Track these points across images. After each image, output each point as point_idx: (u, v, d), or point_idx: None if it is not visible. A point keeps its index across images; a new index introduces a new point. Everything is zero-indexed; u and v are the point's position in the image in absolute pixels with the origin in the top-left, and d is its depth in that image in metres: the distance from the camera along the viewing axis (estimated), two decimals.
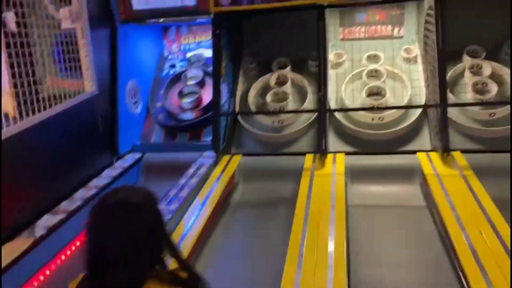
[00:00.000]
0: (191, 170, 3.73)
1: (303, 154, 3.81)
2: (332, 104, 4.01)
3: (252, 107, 4.22)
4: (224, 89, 4.10)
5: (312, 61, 4.33)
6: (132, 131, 4.36)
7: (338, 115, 4.00)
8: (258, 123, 4.17)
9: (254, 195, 3.67)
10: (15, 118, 2.85)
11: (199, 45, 4.86)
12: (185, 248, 2.63)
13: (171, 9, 4.10)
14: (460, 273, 2.35)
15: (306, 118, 4.10)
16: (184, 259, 1.39)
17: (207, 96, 4.46)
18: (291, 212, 3.01)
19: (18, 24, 2.97)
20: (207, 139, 4.25)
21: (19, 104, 2.89)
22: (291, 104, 4.16)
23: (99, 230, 1.26)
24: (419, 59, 4.23)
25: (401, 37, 4.42)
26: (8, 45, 2.82)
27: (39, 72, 3.19)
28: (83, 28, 3.59)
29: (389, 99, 3.96)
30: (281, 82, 4.30)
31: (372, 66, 4.20)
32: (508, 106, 3.67)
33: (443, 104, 3.51)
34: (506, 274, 2.14)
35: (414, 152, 3.70)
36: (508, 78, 3.79)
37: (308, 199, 3.09)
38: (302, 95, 4.24)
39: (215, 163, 3.85)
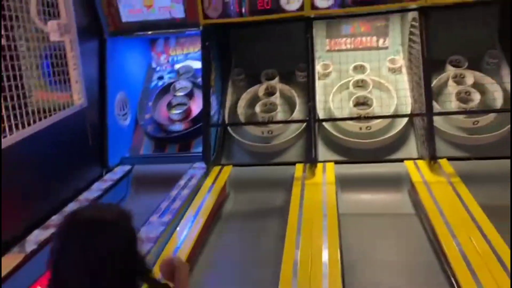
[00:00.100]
0: (182, 182, 3.72)
1: (293, 163, 3.84)
2: (320, 114, 4.06)
3: (241, 118, 4.25)
4: (213, 101, 4.13)
5: (299, 72, 4.40)
6: (121, 143, 4.35)
7: (326, 124, 4.06)
8: (247, 133, 4.20)
9: (246, 205, 3.68)
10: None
11: (187, 57, 4.89)
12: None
13: (160, 22, 4.12)
14: (452, 277, 2.40)
15: (295, 128, 4.14)
16: (159, 283, 1.32)
17: (196, 107, 4.49)
18: (284, 221, 3.03)
19: (6, 37, 2.96)
20: (197, 150, 4.26)
21: (8, 118, 2.87)
22: (280, 115, 4.20)
23: (62, 252, 1.17)
24: (404, 69, 4.33)
25: (386, 48, 4.51)
26: None
27: (27, 85, 3.17)
28: (72, 41, 3.58)
29: (376, 108, 4.03)
30: (269, 93, 4.35)
31: (359, 77, 4.28)
32: (491, 115, 3.79)
33: (429, 113, 3.60)
34: (496, 278, 2.21)
35: (401, 160, 3.77)
36: (490, 87, 3.91)
37: (300, 209, 3.12)
38: (290, 105, 4.29)
39: (206, 174, 3.85)
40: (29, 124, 3.02)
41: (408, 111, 4.00)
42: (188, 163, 4.10)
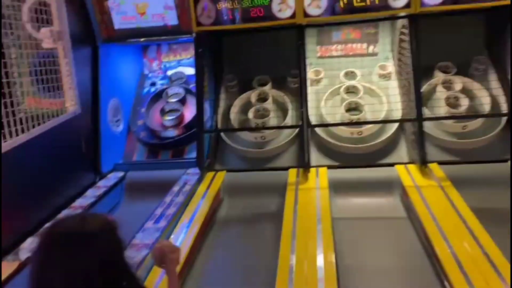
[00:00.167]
0: (176, 188, 3.73)
1: (286, 169, 3.88)
2: (312, 120, 4.11)
3: (234, 124, 4.28)
4: (206, 107, 4.15)
5: (291, 78, 4.45)
6: (114, 150, 4.35)
7: (318, 130, 4.10)
8: (240, 139, 4.24)
9: (240, 211, 3.70)
10: None
11: (179, 63, 4.91)
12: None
13: (153, 29, 4.13)
14: (445, 280, 2.45)
15: (288, 134, 4.19)
16: None
17: (189, 113, 4.51)
18: (278, 226, 3.06)
19: None
20: (190, 156, 4.28)
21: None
22: (272, 120, 4.24)
23: (43, 264, 1.12)
24: (394, 75, 4.40)
25: (375, 55, 4.59)
26: None
27: (18, 93, 3.16)
28: (65, 48, 3.58)
29: (367, 114, 4.10)
30: (262, 98, 4.39)
31: (350, 83, 4.35)
32: (480, 119, 3.87)
33: (420, 118, 3.67)
34: (488, 280, 2.26)
35: (392, 164, 3.83)
36: (478, 93, 4.00)
37: (294, 214, 3.15)
38: (283, 111, 4.34)
39: (200, 180, 3.87)
40: (22, 132, 3.02)
41: (399, 116, 4.07)
42: (181, 169, 4.11)
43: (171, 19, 4.09)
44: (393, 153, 4.01)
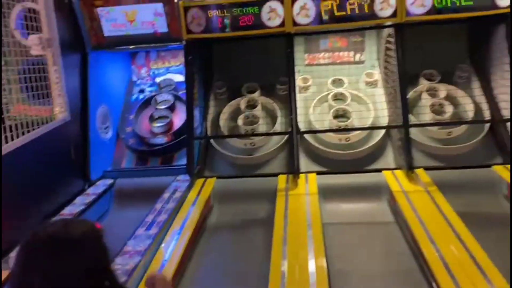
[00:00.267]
0: (166, 195, 3.74)
1: (276, 175, 3.93)
2: (301, 126, 4.16)
3: (224, 131, 4.32)
4: (196, 114, 4.17)
5: (280, 85, 4.51)
6: (103, 157, 4.33)
7: (307, 136, 4.16)
8: (230, 146, 4.27)
9: (230, 217, 3.72)
10: None
11: (168, 70, 4.92)
12: (167, 274, 2.65)
13: (142, 36, 4.15)
14: (433, 282, 2.50)
15: (277, 140, 4.24)
16: None
17: (178, 120, 4.53)
18: (268, 232, 3.10)
19: None
20: (180, 163, 4.29)
21: None
22: (261, 127, 4.28)
23: (24, 269, 1.10)
24: (380, 83, 4.50)
25: (362, 63, 4.68)
26: None
27: (6, 100, 3.14)
28: (54, 55, 3.57)
29: (354, 120, 4.17)
30: (251, 105, 4.43)
31: (337, 90, 4.43)
32: (464, 126, 3.98)
33: (406, 124, 3.75)
34: (475, 282, 2.33)
35: (380, 170, 3.91)
36: (462, 100, 4.11)
37: (285, 219, 3.19)
38: (272, 118, 4.39)
39: (190, 187, 3.88)
40: (12, 139, 3.00)
41: (385, 123, 4.15)
42: (171, 176, 4.12)
43: (161, 26, 4.11)
44: (380, 159, 4.09)
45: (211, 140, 4.31)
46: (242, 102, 4.42)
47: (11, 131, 2.97)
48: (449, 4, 3.63)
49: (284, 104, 4.35)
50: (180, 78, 4.84)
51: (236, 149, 4.24)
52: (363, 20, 3.79)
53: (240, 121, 4.28)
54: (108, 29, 4.14)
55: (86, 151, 4.11)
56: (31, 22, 3.34)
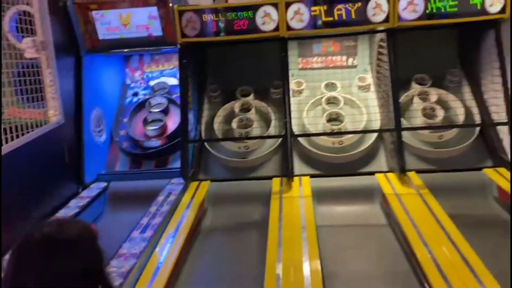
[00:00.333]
0: (160, 198, 3.74)
1: (270, 178, 3.95)
2: (295, 130, 4.19)
3: (218, 134, 4.33)
4: (190, 117, 4.19)
5: (273, 89, 4.54)
6: (97, 160, 4.32)
7: (301, 139, 4.19)
8: (224, 149, 4.29)
9: (225, 220, 3.73)
10: None
11: (162, 74, 4.94)
12: (162, 277, 2.67)
13: (137, 40, 4.16)
14: (425, 283, 2.54)
15: (271, 144, 4.27)
16: None
17: (172, 123, 4.53)
18: (263, 235, 3.12)
19: None
20: (174, 166, 4.30)
21: None
22: (255, 130, 4.31)
23: (17, 270, 1.09)
24: (372, 87, 4.55)
25: (355, 67, 4.74)
26: None
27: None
28: (48, 58, 3.57)
29: (347, 124, 4.22)
30: (245, 109, 4.46)
31: (330, 94, 4.47)
32: (455, 130, 4.04)
33: (398, 128, 3.80)
34: (467, 282, 2.37)
35: (372, 173, 3.96)
36: (452, 104, 4.17)
37: (279, 222, 3.21)
38: (266, 121, 4.42)
39: (184, 190, 3.89)
40: (6, 142, 3.00)
41: (377, 126, 4.20)
42: (165, 179, 4.12)
43: (155, 30, 4.12)
44: (373, 162, 4.13)
45: (205, 143, 4.32)
46: (236, 105, 4.45)
47: (5, 134, 2.96)
48: (440, 10, 3.70)
49: (277, 107, 4.39)
50: (173, 81, 4.86)
51: (230, 152, 4.26)
52: (356, 25, 3.84)
53: (234, 124, 4.30)
54: (103, 33, 4.14)
55: (80, 154, 4.10)
56: (25, 25, 3.34)
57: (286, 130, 3.97)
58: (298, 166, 4.12)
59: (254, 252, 3.12)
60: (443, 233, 2.86)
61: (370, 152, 4.18)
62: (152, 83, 4.90)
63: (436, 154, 4.01)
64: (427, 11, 3.71)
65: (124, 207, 3.97)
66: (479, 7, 3.66)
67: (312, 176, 3.97)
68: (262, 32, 3.87)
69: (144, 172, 4.34)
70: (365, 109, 4.32)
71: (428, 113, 4.17)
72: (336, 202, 3.81)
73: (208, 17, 3.85)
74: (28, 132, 3.22)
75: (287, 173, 3.87)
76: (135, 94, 4.89)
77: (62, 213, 3.57)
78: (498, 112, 3.82)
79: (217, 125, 4.36)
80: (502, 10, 3.67)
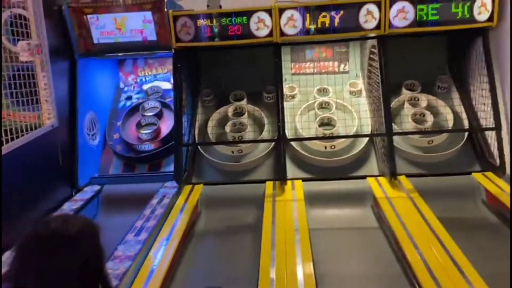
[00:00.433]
0: (154, 201, 3.76)
1: (263, 181, 4.00)
2: (287, 134, 4.24)
3: (211, 137, 4.37)
4: (184, 121, 4.21)
5: (266, 93, 4.60)
6: (90, 163, 4.34)
7: (293, 143, 4.25)
8: (217, 152, 4.32)
9: (218, 223, 3.76)
10: None
11: (155, 78, 4.97)
12: (157, 279, 2.69)
13: (131, 44, 4.19)
14: (416, 285, 2.58)
15: (264, 148, 4.31)
16: None
17: (165, 127, 4.56)
18: (256, 238, 3.16)
19: None
20: (167, 169, 4.32)
21: None
22: (249, 134, 4.35)
23: (22, 264, 1.14)
24: (364, 93, 4.62)
25: (346, 72, 4.81)
26: None
27: None
28: (43, 61, 3.59)
29: (339, 129, 4.28)
30: (238, 113, 4.51)
31: (322, 99, 4.54)
32: (444, 134, 4.12)
33: (390, 133, 3.87)
34: (457, 285, 2.42)
35: (364, 177, 4.02)
36: (442, 110, 4.26)
37: (273, 225, 3.25)
38: (259, 125, 4.47)
39: (178, 193, 3.91)
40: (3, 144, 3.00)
41: (369, 131, 4.27)
42: (158, 182, 4.15)
43: (150, 34, 4.16)
44: (364, 166, 4.19)
45: (199, 147, 4.35)
46: (230, 110, 4.49)
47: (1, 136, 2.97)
48: (430, 18, 3.79)
49: (270, 112, 4.44)
50: (167, 85, 4.89)
51: (224, 155, 4.30)
52: (348, 32, 3.91)
53: (227, 128, 4.34)
54: (97, 37, 4.16)
55: (74, 157, 4.11)
56: (21, 29, 3.35)
57: (279, 134, 4.01)
58: (291, 170, 4.16)
59: (247, 254, 3.15)
60: (433, 236, 2.92)
61: (361, 157, 4.24)
62: (145, 87, 4.93)
63: (426, 158, 4.09)
64: (418, 19, 3.79)
65: (117, 210, 3.98)
66: (459, 15, 3.76)
67: (304, 179, 4.02)
68: (256, 37, 3.91)
69: (137, 175, 4.36)
70: (357, 114, 4.38)
71: (418, 119, 4.25)
72: (328, 206, 3.86)
73: (203, 22, 3.89)
74: (22, 135, 3.23)
75: (280, 177, 3.92)
76: (129, 98, 4.91)
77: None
78: (486, 118, 3.90)
79: (210, 129, 4.40)
80: (490, 19, 3.77)
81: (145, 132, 4.51)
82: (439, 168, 3.99)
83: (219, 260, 3.31)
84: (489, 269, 2.57)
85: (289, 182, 3.94)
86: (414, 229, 3.02)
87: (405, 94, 4.43)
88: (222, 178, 4.22)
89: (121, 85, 5.02)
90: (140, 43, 4.19)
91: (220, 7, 4.12)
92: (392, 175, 3.79)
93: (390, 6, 3.78)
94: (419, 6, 3.77)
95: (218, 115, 4.49)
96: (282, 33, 3.89)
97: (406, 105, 4.35)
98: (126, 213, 3.74)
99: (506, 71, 3.82)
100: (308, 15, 3.84)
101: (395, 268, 2.92)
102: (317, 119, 4.34)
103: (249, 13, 3.86)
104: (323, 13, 3.83)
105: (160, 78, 4.96)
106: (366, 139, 4.26)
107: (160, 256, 2.97)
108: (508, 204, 3.29)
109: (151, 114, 4.63)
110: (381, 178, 3.93)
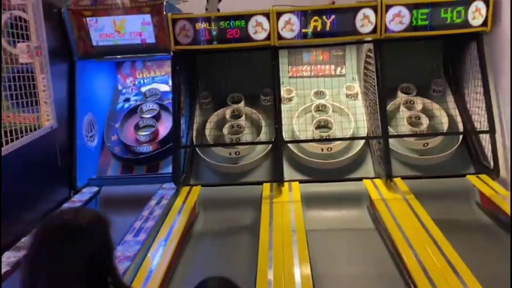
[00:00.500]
0: (153, 202, 3.79)
1: (260, 183, 4.04)
2: (285, 136, 4.28)
3: (209, 139, 4.40)
4: (182, 123, 4.25)
5: (263, 96, 4.64)
6: (89, 164, 4.36)
7: (290, 145, 4.29)
8: (215, 154, 4.36)
9: (216, 224, 3.80)
10: None
11: (154, 80, 5.00)
12: (155, 279, 2.72)
13: (130, 46, 4.22)
14: (412, 285, 2.63)
15: (261, 150, 4.35)
16: None
17: (163, 129, 4.59)
18: (254, 238, 3.20)
19: None
20: (165, 171, 4.35)
21: None
22: (246, 136, 4.39)
23: (36, 253, 1.18)
24: (360, 96, 4.68)
25: (343, 76, 4.86)
26: None
27: None
28: (42, 63, 3.61)
29: (336, 131, 4.33)
30: (236, 115, 4.55)
31: (319, 101, 4.58)
32: (439, 137, 4.18)
33: (386, 135, 3.92)
34: (451, 284, 2.47)
35: (360, 179, 4.07)
36: (436, 113, 4.32)
37: (270, 226, 3.29)
38: (256, 127, 4.51)
39: (176, 195, 3.95)
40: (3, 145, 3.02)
41: (365, 134, 4.32)
42: (156, 184, 4.17)
43: (149, 37, 4.19)
44: (361, 168, 4.24)
45: (197, 149, 4.38)
46: (227, 112, 4.53)
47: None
48: (420, 23, 3.84)
49: (268, 114, 4.48)
50: (165, 87, 4.93)
51: (221, 157, 4.34)
52: (344, 36, 3.97)
53: (225, 130, 4.38)
54: (96, 39, 4.19)
55: (72, 158, 4.13)
56: (20, 31, 3.38)
57: (277, 136, 4.06)
58: (288, 171, 4.20)
59: (245, 255, 3.19)
60: (428, 237, 2.97)
61: (357, 159, 4.29)
62: (143, 89, 4.95)
63: (421, 161, 4.14)
64: (413, 23, 3.85)
65: (115, 212, 3.93)
66: (449, 21, 3.82)
67: (301, 181, 4.06)
68: (253, 41, 3.96)
69: (135, 177, 4.38)
70: (353, 117, 4.43)
71: (414, 121, 4.30)
72: (325, 207, 3.90)
73: (201, 26, 3.93)
74: (22, 136, 3.26)
75: (278, 179, 3.96)
76: (127, 100, 4.94)
77: None
78: (480, 121, 3.96)
79: (208, 131, 4.43)
80: (484, 23, 3.84)
81: (143, 134, 4.54)
82: (434, 170, 4.05)
83: (217, 261, 3.33)
84: (483, 269, 2.62)
85: (286, 184, 3.97)
86: (410, 231, 3.06)
87: (401, 97, 4.48)
88: (219, 180, 4.25)
89: (119, 87, 5.04)
90: (139, 46, 4.22)
91: (218, 10, 4.16)
92: (388, 177, 3.83)
93: (386, 11, 3.83)
94: (414, 11, 3.83)
95: (216, 117, 4.53)
96: (280, 37, 3.94)
97: (402, 108, 4.41)
98: (124, 214, 3.74)
99: (500, 75, 3.89)
100: (305, 19, 3.89)
101: (390, 268, 2.97)
102: (314, 122, 4.39)
103: (247, 17, 3.91)
104: (320, 17, 3.88)
105: (158, 80, 4.99)
106: (362, 141, 4.31)
107: (159, 256, 2.99)
108: (502, 206, 3.35)
109: (149, 116, 4.66)
110: (377, 180, 3.98)
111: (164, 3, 4.04)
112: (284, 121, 4.35)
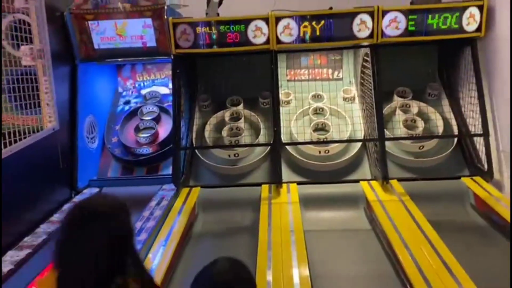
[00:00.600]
0: (153, 203, 3.85)
1: (259, 184, 4.10)
2: (283, 138, 4.34)
3: (209, 141, 4.46)
4: (182, 125, 4.30)
5: (262, 99, 4.71)
6: (89, 166, 4.41)
7: (288, 148, 4.35)
8: (214, 156, 4.42)
9: (215, 225, 3.84)
10: None
11: (153, 83, 5.06)
12: (155, 279, 2.76)
13: (131, 50, 4.28)
14: (408, 285, 2.69)
15: (260, 152, 4.42)
16: (147, 277, 1.46)
17: (163, 131, 4.66)
18: (253, 239, 3.25)
19: None
20: (165, 173, 4.41)
21: None
22: (245, 138, 4.45)
23: (64, 235, 1.32)
24: (357, 99, 4.75)
25: (340, 79, 4.94)
26: None
27: None
28: (44, 66, 3.66)
29: (333, 134, 4.40)
30: (235, 118, 4.61)
31: (317, 105, 4.66)
32: (434, 140, 4.26)
33: (382, 138, 4.00)
34: (446, 284, 2.53)
35: (357, 181, 4.13)
36: (432, 116, 4.40)
37: (269, 227, 3.35)
38: (255, 130, 4.57)
39: (176, 196, 4.00)
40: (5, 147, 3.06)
41: (361, 136, 4.40)
42: (156, 185, 4.22)
43: (150, 40, 4.25)
44: (357, 170, 4.31)
45: (196, 151, 4.44)
46: (227, 114, 4.60)
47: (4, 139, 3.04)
48: (421, 28, 3.93)
49: (266, 116, 4.55)
50: (165, 90, 4.99)
51: (221, 159, 4.40)
52: (342, 40, 4.04)
53: (224, 133, 4.44)
54: (98, 42, 4.25)
55: (74, 160, 4.18)
56: (23, 34, 3.43)
57: (275, 138, 4.12)
58: (286, 173, 4.26)
59: (244, 255, 3.21)
60: (423, 238, 3.04)
61: (354, 161, 4.36)
62: (144, 91, 5.02)
63: (417, 163, 4.21)
64: (409, 29, 3.93)
65: None
66: (434, 26, 3.91)
67: (299, 183, 4.13)
68: (253, 45, 4.03)
69: (135, 178, 4.44)
70: (350, 120, 4.50)
71: (410, 125, 4.38)
72: (322, 208, 3.96)
73: (202, 30, 4.00)
74: (25, 138, 3.30)
75: (276, 180, 4.02)
76: (127, 102, 5.00)
77: (56, 217, 3.64)
78: (475, 124, 4.04)
79: (208, 133, 4.50)
80: (478, 29, 3.92)
81: (143, 136, 4.60)
82: (430, 172, 4.12)
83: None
84: (477, 269, 2.68)
85: (284, 185, 4.04)
86: (406, 231, 3.13)
87: (397, 100, 4.56)
88: (219, 181, 4.31)
89: (120, 90, 5.10)
90: (140, 49, 4.28)
91: (218, 15, 4.23)
92: (384, 179, 3.90)
93: (383, 16, 3.91)
94: (410, 16, 3.91)
95: (215, 119, 4.59)
96: (279, 41, 4.02)
97: (398, 111, 4.48)
98: None
99: (494, 79, 3.97)
100: (303, 23, 3.96)
101: (386, 268, 3.03)
102: (312, 124, 4.46)
103: (246, 21, 3.98)
104: (318, 22, 3.95)
105: (158, 83, 5.06)
106: (359, 144, 4.38)
107: (159, 256, 3.05)
108: (496, 208, 3.42)
109: (149, 118, 4.73)
110: (373, 182, 4.05)
111: (165, 7, 4.10)
112: (283, 123, 4.42)
